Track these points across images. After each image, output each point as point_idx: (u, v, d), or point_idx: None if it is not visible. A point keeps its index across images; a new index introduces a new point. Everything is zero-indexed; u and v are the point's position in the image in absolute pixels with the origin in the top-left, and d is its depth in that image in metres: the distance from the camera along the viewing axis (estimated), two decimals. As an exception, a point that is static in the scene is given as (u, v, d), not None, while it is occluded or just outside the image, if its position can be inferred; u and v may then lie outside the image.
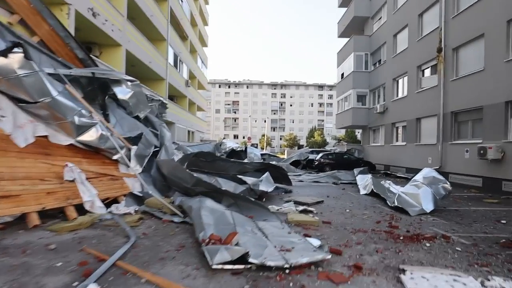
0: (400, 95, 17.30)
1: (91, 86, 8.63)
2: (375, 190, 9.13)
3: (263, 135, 75.49)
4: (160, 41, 19.50)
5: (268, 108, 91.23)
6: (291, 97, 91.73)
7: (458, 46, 12.34)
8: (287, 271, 3.27)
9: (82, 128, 6.55)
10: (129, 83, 9.87)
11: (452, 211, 7.23)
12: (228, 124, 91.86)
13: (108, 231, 4.75)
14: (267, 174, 9.34)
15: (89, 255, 3.69)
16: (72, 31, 9.95)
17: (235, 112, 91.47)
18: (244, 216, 5.53)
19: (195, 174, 7.56)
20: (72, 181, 5.69)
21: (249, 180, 8.20)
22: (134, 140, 8.53)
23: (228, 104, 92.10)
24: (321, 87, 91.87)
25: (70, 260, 3.50)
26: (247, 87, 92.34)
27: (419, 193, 7.19)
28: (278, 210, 6.77)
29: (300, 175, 15.55)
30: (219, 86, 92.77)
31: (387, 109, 18.48)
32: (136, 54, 15.27)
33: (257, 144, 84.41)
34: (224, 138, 27.12)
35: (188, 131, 27.66)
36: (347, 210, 7.09)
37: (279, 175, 11.23)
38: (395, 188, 10.14)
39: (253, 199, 6.17)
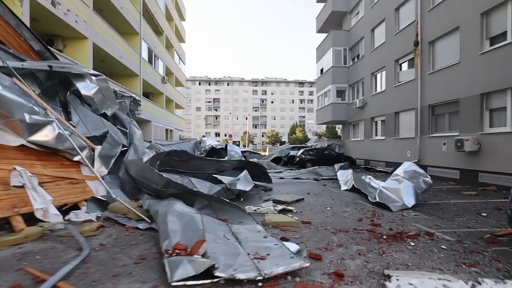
0: (378, 90, 17.35)
1: (51, 81, 7.85)
2: (356, 186, 8.94)
3: (245, 133, 75.01)
4: (132, 35, 18.53)
5: (249, 105, 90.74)
6: (272, 94, 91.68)
7: (434, 39, 12.39)
8: (260, 284, 2.86)
9: (35, 127, 5.85)
10: (93, 77, 9.14)
11: (433, 205, 7.11)
12: (210, 122, 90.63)
13: (59, 243, 4.16)
14: (245, 172, 8.92)
15: (28, 275, 3.12)
16: (27, 20, 9.04)
17: (216, 110, 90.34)
18: (217, 220, 5.09)
19: (165, 175, 7.02)
20: (22, 186, 5.01)
21: (226, 179, 7.74)
22: (100, 139, 7.86)
23: (209, 102, 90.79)
24: (301, 83, 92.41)
25: (0, 284, 2.91)
26: (228, 84, 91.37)
27: (400, 188, 7.01)
28: (255, 210, 6.37)
29: (281, 172, 15.26)
30: (199, 84, 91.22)
31: (366, 103, 18.53)
32: (105, 48, 14.34)
33: (239, 142, 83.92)
34: (204, 136, 26.37)
35: (166, 130, 26.74)
36: (328, 208, 6.79)
37: (259, 173, 10.86)
38: (376, 183, 10.03)
39: (227, 200, 5.72)
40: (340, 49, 21.46)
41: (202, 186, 7.33)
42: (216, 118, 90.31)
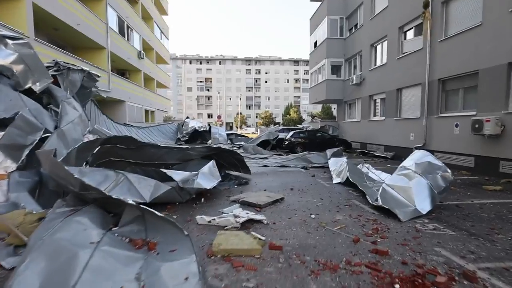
0: (378, 63, 15.25)
1: None
2: (351, 180, 7.11)
3: (238, 114, 72.63)
4: (94, 0, 15.90)
5: (242, 85, 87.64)
6: (266, 73, 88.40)
7: (449, -2, 10.23)
8: None
9: None
10: (10, 41, 6.99)
11: (453, 209, 5.32)
12: (202, 103, 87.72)
13: None
14: (210, 164, 7.04)
15: None
16: None
17: (208, 90, 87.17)
18: (132, 252, 3.23)
19: (98, 170, 5.10)
20: None
21: (179, 175, 5.82)
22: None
23: (201, 82, 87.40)
24: (296, 62, 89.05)
25: None
26: (220, 63, 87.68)
27: (410, 187, 5.16)
28: (210, 222, 4.53)
29: (266, 158, 13.41)
30: (190, 62, 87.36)
31: (364, 80, 16.46)
32: (53, 11, 11.90)
33: (232, 123, 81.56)
34: (187, 118, 24.27)
35: (146, 111, 24.52)
36: (313, 216, 4.95)
37: (235, 162, 9.01)
38: (375, 174, 8.24)
39: (160, 214, 3.83)
40: (335, 18, 19.05)
41: (143, 185, 5.42)
42: (209, 98, 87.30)
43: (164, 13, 31.21)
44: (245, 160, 12.97)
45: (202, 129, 21.35)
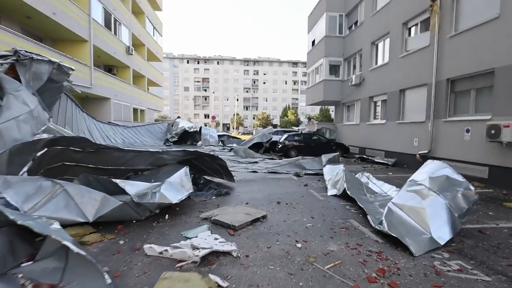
0: (379, 63, 14.20)
1: None
2: (349, 193, 6.00)
3: (235, 114, 71.54)
4: (76, -11, 14.76)
5: (240, 86, 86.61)
6: (264, 74, 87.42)
7: (460, -10, 9.19)
8: None
9: None
10: None
11: (476, 235, 4.23)
12: (198, 103, 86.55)
13: None
14: (181, 172, 5.96)
15: None
16: None
17: (205, 90, 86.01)
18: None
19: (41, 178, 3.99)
20: None
21: (133, 187, 4.69)
22: None
23: (198, 81, 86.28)
24: (295, 63, 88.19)
25: None
26: (218, 63, 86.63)
27: (424, 208, 4.07)
28: (161, 254, 3.41)
29: (256, 162, 12.29)
30: (188, 62, 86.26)
31: (364, 80, 15.41)
32: (23, -3, 10.76)
33: (229, 124, 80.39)
34: (178, 118, 23.14)
35: (135, 109, 23.35)
36: (299, 245, 3.84)
37: (217, 168, 7.93)
38: (377, 185, 7.16)
39: (79, 251, 2.72)
40: (335, 15, 18.01)
41: (87, 200, 4.29)
42: (205, 99, 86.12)
43: (157, 8, 30.08)
44: (234, 165, 11.89)
45: (192, 129, 20.22)
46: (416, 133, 11.05)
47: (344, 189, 6.32)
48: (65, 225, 4.05)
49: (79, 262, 2.80)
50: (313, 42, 20.64)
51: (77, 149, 5.76)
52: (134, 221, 4.67)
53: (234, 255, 3.45)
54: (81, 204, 4.22)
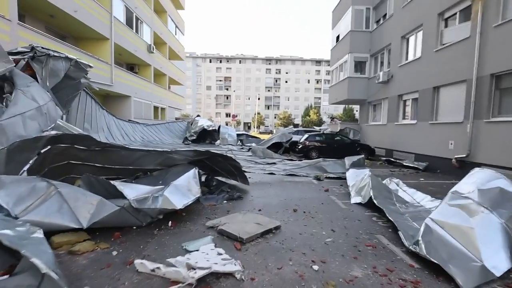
0: (410, 58, 13.10)
1: None
2: (376, 202, 5.28)
3: (256, 114, 71.16)
4: (97, -13, 14.85)
5: (262, 85, 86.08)
6: (286, 73, 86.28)
7: (508, -28, 8.07)
8: None
9: None
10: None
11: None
12: (220, 102, 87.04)
13: None
14: (189, 174, 5.53)
15: None
16: None
17: (227, 89, 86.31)
18: None
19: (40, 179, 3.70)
20: None
21: (133, 190, 4.28)
22: None
23: (220, 81, 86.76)
24: (318, 62, 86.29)
25: None
26: (240, 62, 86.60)
27: (473, 227, 3.31)
28: (153, 271, 2.95)
29: (274, 163, 11.68)
30: (210, 61, 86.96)
31: (392, 77, 14.33)
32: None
33: (250, 123, 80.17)
34: (198, 116, 23.01)
35: (156, 107, 23.48)
36: (315, 266, 3.23)
37: (231, 169, 7.47)
38: (408, 194, 6.36)
39: (42, 265, 2.30)
40: (361, 9, 16.98)
41: (82, 203, 3.93)
42: (227, 97, 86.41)
43: (180, 7, 30.18)
44: (250, 166, 11.37)
45: (211, 128, 19.95)
46: (452, 135, 9.97)
47: (370, 197, 5.60)
48: (58, 230, 3.73)
49: (51, 284, 2.38)
50: (338, 37, 19.67)
51: (82, 147, 5.47)
52: (134, 227, 4.28)
53: (237, 277, 2.91)
54: (75, 208, 3.86)
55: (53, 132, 4.86)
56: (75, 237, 3.74)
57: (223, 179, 7.65)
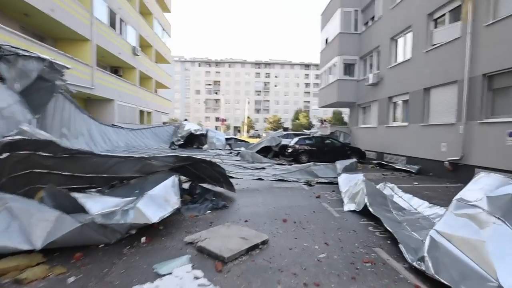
0: (400, 59, 12.94)
1: None
2: (372, 210, 4.89)
3: (246, 118, 70.76)
4: (76, -14, 14.19)
5: (251, 89, 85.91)
6: (276, 77, 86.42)
7: (498, -29, 7.93)
8: None
9: None
10: None
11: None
12: (209, 106, 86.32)
13: None
14: (167, 182, 5.03)
15: None
16: None
17: (216, 93, 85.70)
18: None
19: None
20: None
21: (97, 204, 3.76)
22: None
23: (209, 85, 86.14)
24: (307, 66, 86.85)
25: None
26: (229, 66, 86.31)
27: (484, 241, 2.92)
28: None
29: (263, 168, 11.22)
30: (199, 65, 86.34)
31: (383, 79, 14.16)
32: (16, -9, 10.16)
33: (239, 127, 79.61)
34: (185, 120, 22.37)
35: (141, 111, 22.75)
36: (308, 292, 2.77)
37: (216, 175, 6.99)
38: (404, 199, 6.01)
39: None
40: (350, 11, 16.85)
41: (36, 220, 3.38)
42: (217, 102, 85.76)
43: (166, 9, 29.59)
44: (238, 171, 10.86)
45: (198, 132, 19.38)
46: (445, 137, 9.76)
47: (365, 205, 5.20)
48: (6, 254, 3.15)
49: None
50: (326, 40, 19.50)
51: (47, 154, 4.88)
52: (101, 245, 3.72)
53: (215, 310, 2.42)
54: (29, 225, 3.30)
55: (8, 138, 4.28)
56: (26, 261, 3.17)
57: (209, 186, 7.14)
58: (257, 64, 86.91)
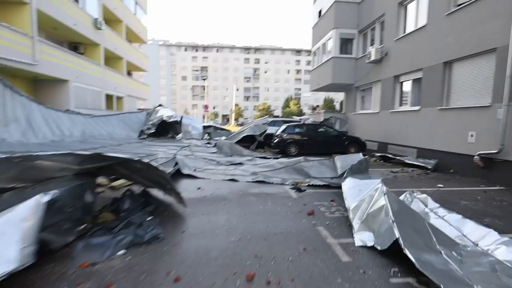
0: (410, 29, 10.57)
1: None
2: (412, 259, 2.55)
3: (235, 105, 67.95)
4: None
5: (240, 75, 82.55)
6: (266, 62, 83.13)
7: None
8: None
9: None
10: None
11: None
12: (197, 93, 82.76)
13: None
14: (14, 213, 2.49)
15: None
16: None
17: (204, 79, 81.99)
18: None
19: None
20: None
21: None
22: None
23: (196, 70, 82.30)
24: (298, 52, 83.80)
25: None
26: (217, 51, 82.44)
27: None
28: None
29: (241, 164, 8.83)
30: (185, 50, 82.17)
31: (387, 55, 11.79)
32: None
33: (228, 115, 76.67)
34: (160, 105, 19.58)
35: (108, 95, 19.88)
36: None
37: (159, 180, 4.66)
38: (451, 225, 3.73)
39: None
40: (348, -26, 14.26)
41: None
42: (204, 88, 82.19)
43: (141, -19, 26.23)
44: (208, 168, 8.46)
45: (172, 119, 16.76)
46: (473, 124, 7.53)
47: (394, 240, 2.90)
48: None
49: None
50: (320, 13, 16.92)
51: None
52: None
53: None
54: None
55: None
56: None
57: (161, 195, 4.77)
58: (247, 49, 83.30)
